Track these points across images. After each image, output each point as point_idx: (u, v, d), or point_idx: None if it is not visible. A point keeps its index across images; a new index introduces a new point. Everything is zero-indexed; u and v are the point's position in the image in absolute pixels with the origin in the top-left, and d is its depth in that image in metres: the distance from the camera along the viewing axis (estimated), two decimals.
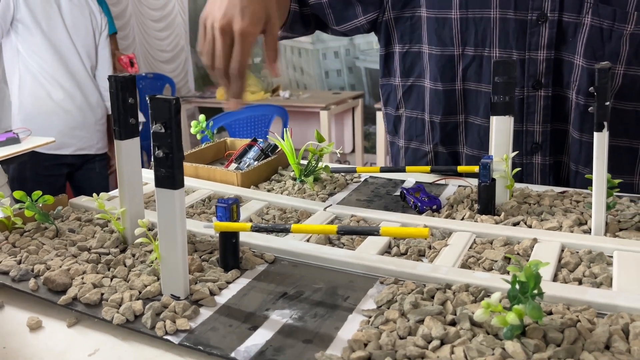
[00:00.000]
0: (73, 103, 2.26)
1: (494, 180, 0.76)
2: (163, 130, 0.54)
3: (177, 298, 0.58)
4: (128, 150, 0.67)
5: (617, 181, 0.70)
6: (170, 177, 0.55)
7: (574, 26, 0.87)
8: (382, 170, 0.92)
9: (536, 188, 0.86)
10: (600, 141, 0.65)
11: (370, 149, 4.29)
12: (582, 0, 0.86)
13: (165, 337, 0.52)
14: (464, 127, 0.98)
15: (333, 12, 1.01)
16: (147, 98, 0.54)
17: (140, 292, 0.59)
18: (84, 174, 2.45)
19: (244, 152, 0.99)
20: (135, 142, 0.68)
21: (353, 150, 4.21)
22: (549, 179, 0.95)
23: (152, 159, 0.55)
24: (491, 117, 0.78)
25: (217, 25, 0.74)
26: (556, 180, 0.96)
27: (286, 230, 0.63)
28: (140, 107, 4.18)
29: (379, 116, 3.51)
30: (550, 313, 0.52)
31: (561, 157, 0.95)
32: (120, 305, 0.56)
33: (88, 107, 2.32)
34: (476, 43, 0.93)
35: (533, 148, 0.94)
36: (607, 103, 0.63)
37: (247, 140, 1.02)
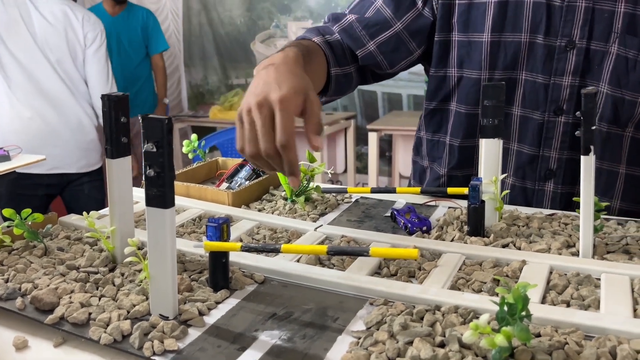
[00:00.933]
0: (43, 121, 2.18)
1: (483, 202, 0.77)
2: (155, 150, 0.54)
3: (166, 318, 0.58)
4: (119, 169, 0.67)
5: (604, 204, 0.71)
6: (161, 196, 0.55)
7: (601, 54, 0.89)
8: (373, 191, 0.93)
9: (525, 210, 0.87)
10: (587, 165, 0.66)
11: (362, 169, 4.31)
12: (610, 30, 0.88)
13: (153, 357, 0.52)
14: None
15: (384, 56, 0.99)
16: (139, 117, 0.54)
17: (128, 312, 0.58)
18: (72, 194, 2.40)
19: (236, 171, 0.99)
20: (127, 160, 0.68)
21: (345, 171, 4.22)
22: (559, 208, 0.94)
23: (143, 178, 0.56)
24: (480, 139, 0.79)
25: (252, 104, 0.66)
26: (566, 210, 0.95)
27: (276, 251, 0.63)
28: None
29: (371, 137, 3.54)
30: (538, 335, 0.53)
31: (574, 188, 0.94)
32: (107, 325, 0.56)
33: (64, 125, 2.23)
34: (505, 66, 0.94)
35: (547, 174, 0.95)
36: (594, 127, 0.64)
37: (239, 160, 1.03)
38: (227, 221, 0.63)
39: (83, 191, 2.39)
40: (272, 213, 0.88)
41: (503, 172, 0.85)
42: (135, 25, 3.45)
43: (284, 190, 0.94)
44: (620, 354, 0.48)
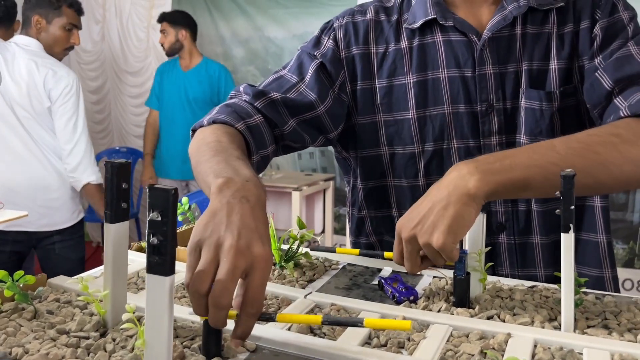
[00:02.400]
0: (2, 177, 2.15)
1: (468, 274, 0.79)
2: (160, 219, 0.56)
3: None
4: (117, 234, 0.69)
5: (583, 280, 0.74)
6: (162, 264, 0.56)
7: (515, 110, 0.98)
8: (361, 254, 0.95)
9: (507, 282, 0.90)
10: (567, 242, 0.69)
11: (339, 230, 4.33)
12: (518, 88, 0.98)
13: None
14: None
15: (307, 134, 1.05)
16: (145, 187, 0.56)
17: None
18: (43, 253, 2.32)
19: None
20: (125, 226, 0.69)
21: (323, 231, 4.24)
22: (516, 258, 1.00)
23: (146, 246, 0.57)
24: None
25: (228, 245, 0.59)
26: (525, 260, 1.01)
27: (271, 319, 0.64)
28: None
29: None
30: None
31: (529, 237, 1.00)
32: None
33: (25, 183, 2.18)
34: (435, 138, 1.01)
35: (498, 227, 1.00)
36: (572, 207, 0.68)
37: None
38: None
39: (54, 250, 2.31)
40: None
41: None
42: (206, 81, 3.43)
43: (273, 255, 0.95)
44: None
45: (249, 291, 0.60)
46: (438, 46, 1.01)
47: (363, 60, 1.05)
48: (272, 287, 0.84)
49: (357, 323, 0.61)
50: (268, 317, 0.65)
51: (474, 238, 0.82)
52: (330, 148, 4.46)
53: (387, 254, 0.90)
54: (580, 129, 0.96)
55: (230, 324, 0.71)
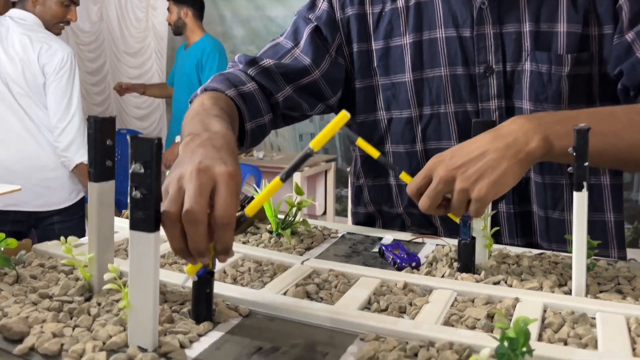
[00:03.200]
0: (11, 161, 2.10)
1: (474, 238, 0.75)
2: (142, 171, 0.52)
3: (144, 350, 0.54)
4: (102, 193, 0.65)
5: (596, 242, 0.70)
6: (146, 219, 0.53)
7: (517, 74, 0.92)
8: (379, 158, 0.81)
9: (514, 249, 0.86)
10: (580, 201, 0.65)
11: (341, 211, 4.30)
12: (520, 50, 0.92)
13: None
14: None
15: (304, 100, 1.01)
16: (128, 138, 0.52)
17: (104, 343, 0.55)
18: (43, 233, 2.28)
19: None
20: (110, 185, 0.65)
21: (324, 213, 4.21)
22: (515, 227, 0.96)
23: (129, 201, 0.53)
24: None
25: (187, 172, 0.57)
26: (524, 229, 0.96)
27: (243, 217, 0.61)
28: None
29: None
30: None
31: (528, 206, 0.96)
32: (81, 357, 0.52)
33: (19, 162, 2.14)
34: (431, 102, 0.96)
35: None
36: (586, 164, 0.64)
37: None
38: None
39: (53, 231, 2.27)
40: (257, 246, 0.86)
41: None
42: (194, 58, 3.35)
43: (270, 224, 0.92)
44: None
45: (218, 205, 0.56)
46: (436, 4, 0.96)
47: (359, 22, 1.01)
48: (268, 254, 0.81)
49: (306, 152, 0.57)
50: (241, 219, 0.60)
51: None
52: None
53: (404, 175, 0.78)
54: (589, 99, 0.91)
55: (219, 288, 0.67)
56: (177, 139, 3.31)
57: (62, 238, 0.65)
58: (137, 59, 4.68)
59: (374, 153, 0.74)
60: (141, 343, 0.54)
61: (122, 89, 3.43)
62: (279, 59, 1.00)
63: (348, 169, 3.73)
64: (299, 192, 0.90)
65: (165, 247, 0.83)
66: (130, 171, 0.52)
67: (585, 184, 0.65)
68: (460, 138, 0.95)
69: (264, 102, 0.98)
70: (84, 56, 4.64)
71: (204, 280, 0.60)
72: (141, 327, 0.54)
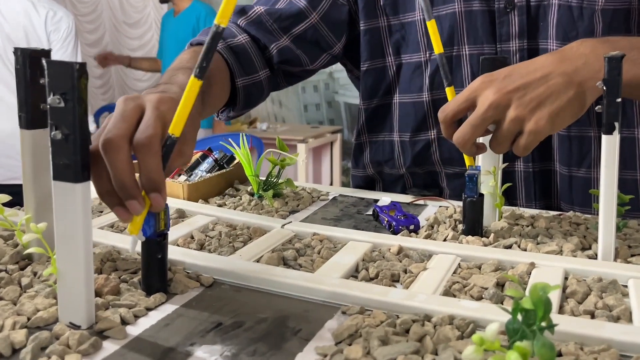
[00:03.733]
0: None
1: (482, 195, 0.65)
2: (62, 104, 0.41)
3: (77, 327, 0.44)
4: (36, 143, 0.55)
5: (628, 197, 0.59)
6: (71, 166, 0.42)
7: (543, 9, 0.80)
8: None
9: (529, 210, 0.75)
10: (611, 146, 0.54)
11: (347, 184, 4.19)
12: None
13: None
14: (437, 143, 0.87)
15: (303, 51, 0.89)
16: (43, 61, 0.42)
17: (28, 319, 0.45)
18: None
19: (197, 163, 0.86)
20: (47, 133, 0.55)
21: (330, 185, 4.11)
22: (534, 188, 0.84)
23: (49, 144, 0.43)
24: None
25: (119, 102, 0.50)
26: (543, 191, 0.85)
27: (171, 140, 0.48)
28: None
29: None
30: (559, 354, 0.40)
31: (548, 164, 0.84)
32: None
33: (14, 134, 2.10)
34: (443, 43, 0.82)
35: (514, 153, 0.83)
36: (619, 100, 0.53)
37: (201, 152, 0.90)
38: (166, 206, 0.50)
39: None
40: (235, 209, 0.76)
41: (463, 163, 0.71)
42: (190, 25, 3.19)
43: (251, 185, 0.81)
44: None
45: (138, 128, 0.47)
46: None
47: None
48: (246, 217, 0.71)
49: (215, 31, 0.45)
50: (167, 143, 0.48)
51: (490, 154, 0.67)
52: (337, 98, 4.29)
53: (467, 158, 0.67)
54: (626, 35, 0.79)
55: (179, 254, 0.57)
56: None
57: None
58: (137, 30, 4.55)
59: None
60: (73, 319, 0.45)
61: (105, 60, 3.29)
62: (272, 4, 0.89)
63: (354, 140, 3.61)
64: (283, 147, 0.79)
65: None
66: (48, 105, 0.42)
67: (617, 125, 0.53)
68: None
69: (257, 56, 0.87)
70: (83, 27, 4.52)
71: (154, 244, 0.50)
72: (72, 299, 0.44)
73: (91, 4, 4.55)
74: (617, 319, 0.45)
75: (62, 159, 0.42)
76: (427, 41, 0.85)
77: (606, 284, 0.51)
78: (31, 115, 0.54)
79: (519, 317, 0.36)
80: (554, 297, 0.48)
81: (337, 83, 4.22)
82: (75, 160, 0.42)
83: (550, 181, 0.85)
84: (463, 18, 0.82)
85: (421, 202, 0.83)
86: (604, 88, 0.52)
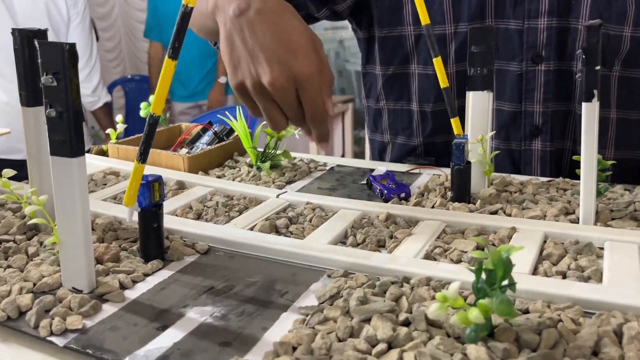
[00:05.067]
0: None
1: (468, 163, 0.66)
2: (55, 84, 0.44)
3: (80, 291, 0.48)
4: (37, 119, 0.57)
5: (609, 162, 0.60)
6: (66, 142, 0.45)
7: None
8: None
9: (519, 177, 0.77)
10: (590, 113, 0.55)
11: (359, 154, 4.20)
12: None
13: (49, 338, 0.42)
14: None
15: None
16: (35, 43, 0.44)
17: (34, 285, 0.48)
18: None
19: (198, 136, 0.89)
20: None
21: (343, 155, 4.12)
22: (550, 168, 0.84)
23: (45, 122, 0.46)
24: (467, 92, 0.69)
25: (270, 84, 0.56)
26: (557, 169, 0.85)
27: None
28: (126, 110, 4.08)
29: None
30: (527, 312, 0.43)
31: (564, 144, 0.84)
32: (4, 300, 0.46)
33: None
34: (470, 17, 0.82)
35: (532, 132, 0.83)
36: (598, 67, 0.54)
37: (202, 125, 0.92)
38: (160, 179, 0.53)
39: None
40: (233, 180, 0.78)
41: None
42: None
43: (250, 157, 0.84)
44: (627, 333, 0.38)
45: (307, 108, 0.58)
46: None
47: None
48: (243, 188, 0.73)
49: (184, 11, 0.48)
50: (149, 122, 0.49)
51: (477, 120, 0.68)
52: (348, 67, 4.26)
53: (456, 127, 0.70)
54: None
55: (177, 223, 0.60)
56: (222, 79, 3.21)
57: (5, 171, 0.59)
58: (145, 2, 4.53)
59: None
60: (76, 284, 0.48)
61: None
62: None
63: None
64: None
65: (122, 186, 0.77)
66: (42, 84, 0.44)
67: (596, 92, 0.54)
68: (496, 58, 0.82)
69: None
70: (92, 1, 4.51)
71: (150, 214, 0.53)
72: (74, 266, 0.48)
73: None
74: (587, 279, 0.47)
75: (57, 135, 0.45)
76: (452, 13, 0.83)
77: (582, 246, 0.53)
78: (31, 94, 0.56)
79: (483, 277, 0.38)
80: (530, 259, 0.51)
81: (348, 51, 4.18)
82: (70, 136, 0.45)
83: (562, 159, 0.86)
84: None
85: (417, 170, 0.85)
86: (584, 56, 0.53)
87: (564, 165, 0.86)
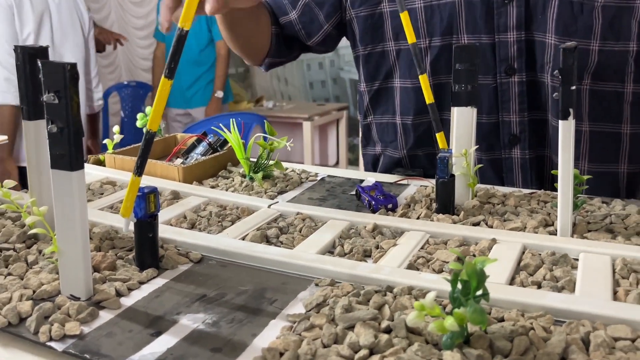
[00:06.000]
0: None
1: (452, 176, 0.69)
2: (56, 101, 0.46)
3: (77, 299, 0.50)
4: (38, 132, 0.60)
5: (585, 177, 0.63)
6: (66, 156, 0.47)
7: (542, 2, 0.82)
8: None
9: (502, 189, 0.79)
10: (566, 131, 0.58)
11: (354, 161, 4.23)
12: None
13: (48, 343, 0.44)
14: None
15: (303, 27, 0.97)
16: (38, 62, 0.46)
17: (34, 292, 0.51)
18: None
19: (192, 147, 0.91)
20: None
21: (337, 163, 4.15)
22: (530, 175, 0.88)
23: (47, 136, 0.48)
24: (452, 107, 0.72)
25: None
26: (539, 176, 0.89)
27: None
28: (122, 116, 4.10)
29: None
30: (502, 320, 0.45)
31: (543, 151, 0.88)
32: (4, 307, 0.48)
33: None
34: (442, 32, 0.86)
35: (511, 140, 0.87)
36: (573, 87, 0.57)
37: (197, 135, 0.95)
38: (155, 190, 0.55)
39: None
40: (227, 190, 0.81)
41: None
42: None
43: (243, 168, 0.86)
44: (594, 341, 0.40)
45: None
46: None
47: None
48: (236, 198, 0.76)
49: (179, 34, 0.51)
50: (146, 137, 0.53)
51: (461, 134, 0.71)
52: (343, 75, 4.29)
53: (441, 142, 0.73)
54: (625, 36, 0.79)
55: (171, 233, 0.63)
56: (219, 94, 3.25)
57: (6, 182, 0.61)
58: (142, 9, 4.56)
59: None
60: (74, 291, 0.50)
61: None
62: None
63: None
64: (271, 132, 0.84)
65: (123, 194, 0.79)
66: (44, 102, 0.47)
67: (571, 110, 0.57)
68: None
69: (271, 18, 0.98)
70: (89, 6, 4.54)
71: (145, 224, 0.55)
72: (72, 274, 0.50)
73: None
74: (561, 289, 0.50)
75: (58, 149, 0.47)
76: (426, 28, 0.87)
77: (558, 257, 0.55)
78: (32, 107, 0.59)
79: (459, 287, 0.40)
80: (508, 270, 0.53)
81: (343, 60, 4.22)
82: (70, 150, 0.47)
83: (544, 167, 0.89)
84: (462, 8, 0.85)
85: (405, 182, 0.87)
86: (560, 77, 0.56)
87: (545, 172, 0.89)
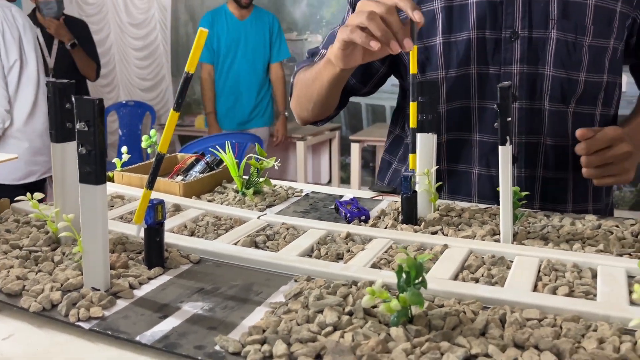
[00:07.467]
0: (32, 128, 2.25)
1: (415, 192, 0.81)
2: (86, 129, 0.57)
3: (98, 290, 0.61)
4: (64, 153, 0.71)
5: (523, 193, 0.75)
6: (92, 173, 0.58)
7: (542, 41, 0.96)
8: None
9: (461, 203, 0.91)
10: (505, 154, 0.70)
11: (346, 179, 4.35)
12: (547, 18, 0.95)
13: (77, 323, 0.55)
14: (446, 144, 1.03)
15: (356, 79, 1.10)
16: (72, 98, 0.58)
17: (62, 285, 0.61)
18: None
19: (191, 165, 1.03)
20: (72, 145, 0.71)
21: (330, 181, 4.27)
22: (523, 191, 1.00)
23: (77, 157, 0.59)
24: (417, 134, 0.83)
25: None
26: (531, 193, 1.00)
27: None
28: (120, 135, 4.22)
29: (354, 148, 3.59)
30: (442, 306, 0.56)
31: (535, 171, 1.00)
32: (39, 295, 0.59)
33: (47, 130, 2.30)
34: (459, 63, 0.99)
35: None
36: (509, 119, 0.68)
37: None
38: (162, 202, 0.66)
39: None
40: (222, 204, 0.92)
41: (469, 162, 0.98)
42: (262, 31, 3.34)
43: (236, 184, 0.97)
44: (509, 320, 0.52)
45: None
46: None
47: None
48: (229, 210, 0.87)
49: (185, 77, 0.59)
50: (156, 159, 0.63)
51: (424, 156, 0.83)
52: None
53: (412, 162, 0.86)
54: (600, 69, 0.96)
55: (174, 239, 0.73)
56: (286, 113, 3.43)
57: (27, 194, 0.72)
58: (141, 30, 4.70)
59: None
60: (95, 284, 0.61)
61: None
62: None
63: (351, 137, 3.77)
64: (261, 153, 0.95)
65: (135, 205, 0.90)
66: (76, 129, 0.58)
67: (508, 138, 0.69)
68: (478, 98, 1.00)
69: None
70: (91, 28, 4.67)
71: (154, 230, 0.66)
72: (94, 269, 0.61)
73: (97, 5, 4.72)
74: (494, 284, 0.61)
75: (86, 167, 0.59)
76: (444, 61, 1.00)
77: (496, 259, 0.67)
78: (60, 132, 0.70)
79: (403, 277, 0.52)
80: (453, 269, 0.64)
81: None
82: (96, 169, 0.58)
83: (534, 184, 1.01)
84: (475, 44, 0.98)
85: (380, 197, 0.99)
86: (498, 111, 0.68)
87: (536, 190, 1.01)
